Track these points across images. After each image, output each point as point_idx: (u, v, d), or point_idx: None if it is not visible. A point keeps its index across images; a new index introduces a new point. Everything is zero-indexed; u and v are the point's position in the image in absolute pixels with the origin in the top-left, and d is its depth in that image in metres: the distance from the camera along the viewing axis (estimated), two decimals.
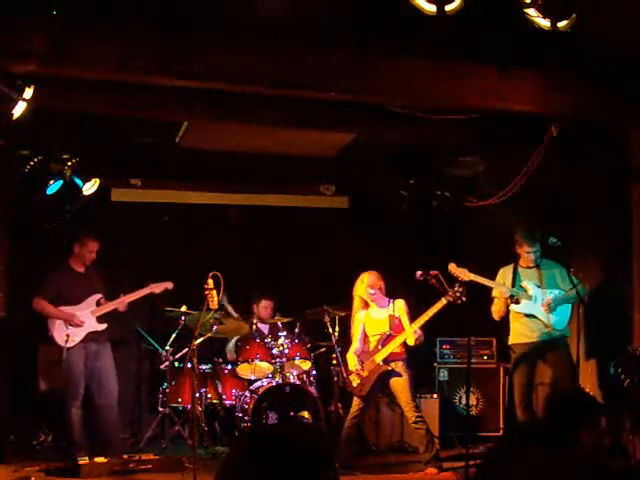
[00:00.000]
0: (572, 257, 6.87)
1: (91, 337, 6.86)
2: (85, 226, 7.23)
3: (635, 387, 6.12)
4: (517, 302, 6.65)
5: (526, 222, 6.95)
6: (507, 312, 6.73)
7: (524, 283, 6.65)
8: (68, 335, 6.72)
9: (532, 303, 6.61)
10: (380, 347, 6.58)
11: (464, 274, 6.40)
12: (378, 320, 6.69)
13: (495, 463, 1.95)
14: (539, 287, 6.62)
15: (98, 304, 6.95)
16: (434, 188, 8.48)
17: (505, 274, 6.78)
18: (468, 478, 5.69)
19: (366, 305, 6.74)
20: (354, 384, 6.65)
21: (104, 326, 6.91)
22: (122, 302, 6.96)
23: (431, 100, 6.47)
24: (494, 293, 6.66)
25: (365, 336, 6.75)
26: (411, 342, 6.50)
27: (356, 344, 6.77)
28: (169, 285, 7.08)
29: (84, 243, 6.97)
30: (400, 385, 6.54)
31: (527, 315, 6.63)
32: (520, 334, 6.69)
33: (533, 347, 6.63)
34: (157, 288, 7.03)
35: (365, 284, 6.66)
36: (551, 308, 6.56)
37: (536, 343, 6.63)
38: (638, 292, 6.73)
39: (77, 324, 6.77)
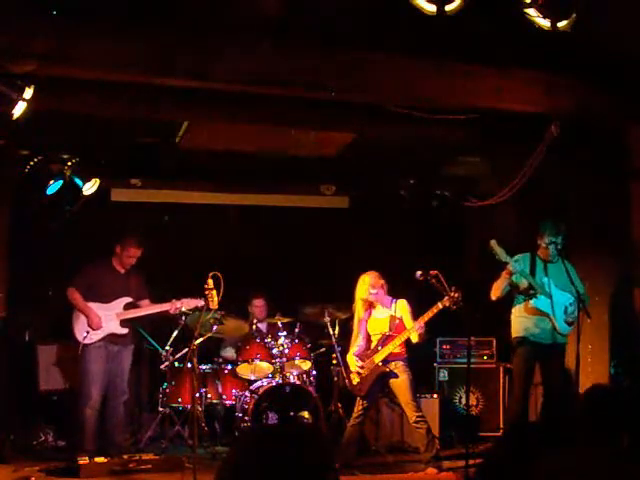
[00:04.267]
0: (572, 257, 6.87)
1: (111, 339, 6.84)
2: (132, 230, 7.18)
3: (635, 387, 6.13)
4: (534, 296, 6.53)
5: (552, 215, 6.86)
6: (504, 298, 6.64)
7: (545, 279, 6.51)
8: (88, 332, 6.70)
9: (549, 302, 6.48)
10: (379, 348, 6.58)
11: (502, 254, 6.27)
12: (379, 320, 6.69)
13: (498, 463, 1.95)
14: (558, 287, 6.50)
15: (126, 308, 6.92)
16: (434, 188, 8.48)
17: (523, 261, 6.58)
18: (468, 478, 5.69)
19: (370, 306, 6.73)
20: (354, 382, 6.66)
21: (125, 331, 6.87)
22: (148, 310, 6.95)
23: (431, 100, 6.47)
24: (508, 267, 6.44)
25: (368, 335, 6.75)
26: (415, 339, 6.49)
27: (355, 346, 6.76)
28: (200, 303, 6.60)
29: (125, 247, 6.92)
30: (400, 385, 6.54)
31: (541, 313, 6.48)
32: (527, 331, 6.56)
33: (537, 348, 6.56)
34: (187, 305, 6.92)
35: (367, 285, 6.65)
36: (569, 314, 6.45)
37: (542, 345, 6.53)
38: (638, 292, 6.73)
39: (94, 327, 6.74)
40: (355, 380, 6.65)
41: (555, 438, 1.89)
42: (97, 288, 6.86)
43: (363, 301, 6.70)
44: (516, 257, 6.57)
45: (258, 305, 8.24)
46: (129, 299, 6.94)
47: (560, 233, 6.53)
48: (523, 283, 6.53)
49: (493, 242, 6.29)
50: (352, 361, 6.72)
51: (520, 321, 6.63)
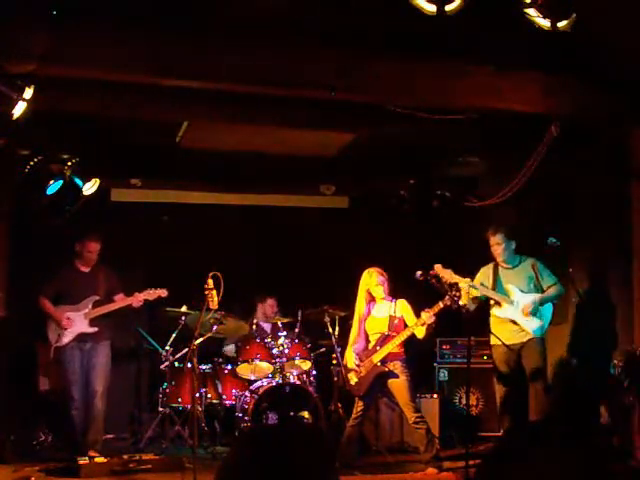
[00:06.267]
0: (571, 257, 6.87)
1: (82, 338, 6.87)
2: (88, 226, 7.21)
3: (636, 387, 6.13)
4: (498, 305, 6.68)
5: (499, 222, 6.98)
6: (479, 309, 6.75)
7: (507, 286, 6.66)
8: (59, 335, 6.77)
9: (513, 308, 6.62)
10: (378, 347, 6.56)
11: (449, 276, 6.38)
12: (378, 320, 6.68)
13: (498, 463, 1.95)
14: (522, 291, 6.63)
15: (95, 306, 6.93)
16: (434, 188, 8.48)
17: (486, 273, 6.81)
18: (468, 478, 5.68)
19: (372, 300, 6.73)
20: (352, 382, 6.64)
21: (94, 329, 6.88)
22: (113, 306, 6.95)
23: (431, 100, 6.47)
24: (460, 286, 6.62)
25: (366, 335, 6.75)
26: (421, 334, 6.48)
27: (354, 343, 6.73)
28: (163, 293, 7.04)
29: (84, 243, 6.98)
30: (399, 386, 6.52)
31: (508, 320, 6.66)
32: (500, 337, 6.73)
33: (512, 351, 6.69)
34: (150, 295, 7.00)
35: (375, 275, 6.64)
36: (530, 313, 6.57)
37: (515, 345, 6.67)
38: (638, 292, 6.73)
39: (63, 326, 6.78)
40: (353, 380, 6.63)
41: (540, 438, 1.90)
42: (67, 291, 6.92)
43: (366, 293, 6.68)
44: (482, 269, 6.81)
45: (272, 304, 8.28)
46: (97, 297, 6.96)
47: (497, 232, 6.67)
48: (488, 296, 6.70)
49: (438, 266, 6.36)
50: (350, 357, 6.69)
51: (494, 329, 6.79)
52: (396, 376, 6.51)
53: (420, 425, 6.48)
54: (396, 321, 6.60)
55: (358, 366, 6.60)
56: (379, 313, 6.70)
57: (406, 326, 6.58)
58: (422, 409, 7.00)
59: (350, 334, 6.83)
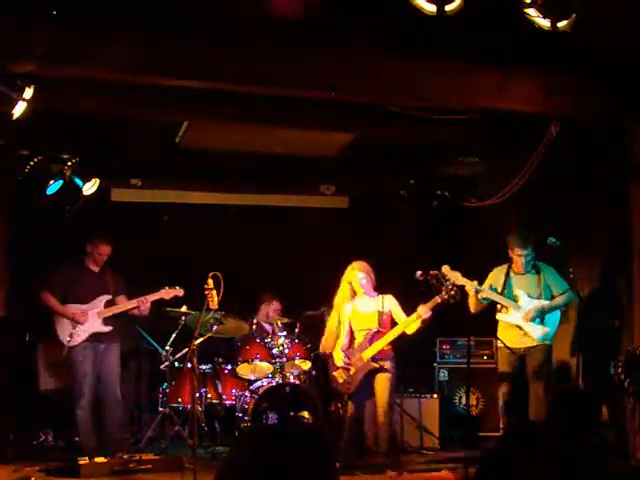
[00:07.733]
0: (571, 257, 6.87)
1: (96, 337, 6.83)
2: (93, 227, 7.19)
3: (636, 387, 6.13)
4: (505, 309, 6.66)
5: (521, 225, 6.94)
6: (485, 308, 6.73)
7: (517, 291, 6.64)
8: (72, 334, 6.71)
9: (519, 313, 6.60)
10: (368, 344, 6.48)
11: (456, 277, 6.37)
12: (365, 315, 6.56)
13: (496, 463, 1.95)
14: (531, 297, 6.60)
15: (106, 306, 6.92)
16: (434, 188, 8.49)
17: (497, 276, 6.75)
18: (468, 478, 5.68)
19: (353, 295, 6.66)
20: (340, 380, 6.57)
21: (109, 328, 6.85)
22: (125, 306, 6.93)
23: (431, 100, 6.47)
24: (467, 289, 6.59)
25: (351, 331, 6.66)
26: (413, 329, 6.42)
27: (342, 340, 6.64)
28: (179, 292, 7.02)
29: (95, 245, 6.94)
30: (382, 380, 6.39)
31: (514, 325, 6.64)
32: (504, 340, 6.72)
33: (516, 354, 6.67)
34: (167, 294, 6.99)
35: (356, 270, 6.59)
36: (531, 318, 6.54)
37: (520, 349, 6.65)
38: (638, 292, 6.74)
39: (79, 321, 6.73)
40: (341, 378, 6.56)
41: (540, 438, 1.91)
42: (74, 290, 6.87)
43: (349, 286, 6.62)
44: (494, 271, 6.75)
45: (277, 308, 8.27)
46: (108, 297, 6.93)
47: (528, 245, 6.60)
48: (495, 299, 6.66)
49: (445, 268, 6.33)
50: (339, 355, 6.60)
51: (500, 331, 6.77)
52: (384, 371, 6.43)
53: (385, 425, 6.39)
54: (384, 317, 6.52)
55: (347, 364, 6.55)
56: (366, 308, 6.58)
57: (394, 322, 6.52)
58: (422, 409, 6.98)
59: (326, 327, 6.78)
